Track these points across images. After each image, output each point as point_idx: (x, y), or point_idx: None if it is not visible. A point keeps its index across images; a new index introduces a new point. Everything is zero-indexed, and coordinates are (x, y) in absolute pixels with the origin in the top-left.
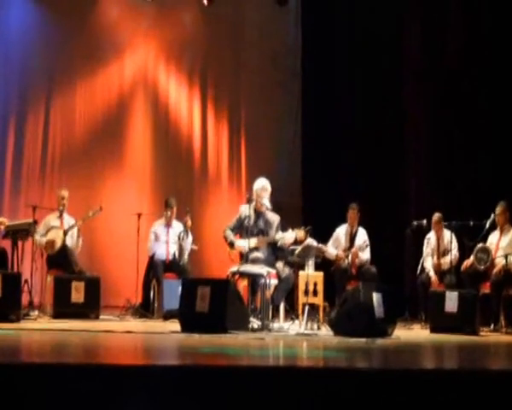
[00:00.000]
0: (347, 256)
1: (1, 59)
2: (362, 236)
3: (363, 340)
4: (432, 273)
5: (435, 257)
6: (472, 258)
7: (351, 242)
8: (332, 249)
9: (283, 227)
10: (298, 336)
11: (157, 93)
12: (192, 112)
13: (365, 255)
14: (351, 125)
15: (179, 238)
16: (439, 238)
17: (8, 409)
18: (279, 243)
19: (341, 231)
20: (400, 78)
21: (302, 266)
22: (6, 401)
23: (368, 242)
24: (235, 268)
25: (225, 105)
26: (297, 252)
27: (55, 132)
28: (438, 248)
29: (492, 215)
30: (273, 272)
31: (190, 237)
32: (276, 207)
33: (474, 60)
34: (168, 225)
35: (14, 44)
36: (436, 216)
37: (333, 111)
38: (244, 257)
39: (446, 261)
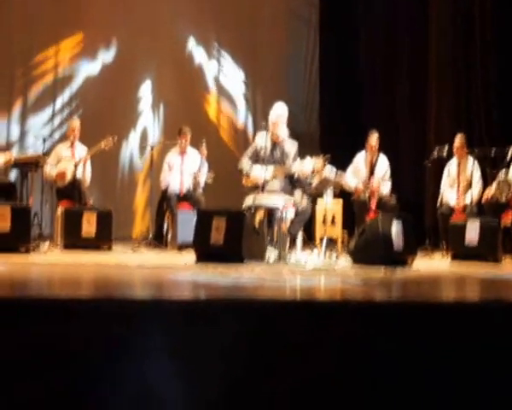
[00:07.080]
0: (367, 190)
1: None
2: (383, 165)
3: (381, 270)
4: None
5: (456, 190)
6: (493, 189)
7: (371, 171)
8: (351, 179)
9: (301, 156)
10: (315, 267)
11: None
12: (206, 41)
13: (385, 189)
14: (370, 53)
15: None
16: (460, 164)
17: (18, 344)
18: (296, 175)
19: (361, 159)
20: (425, 9)
21: (320, 195)
22: (15, 335)
23: (389, 172)
24: (250, 200)
25: (240, 33)
26: (314, 185)
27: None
28: (458, 177)
29: None
30: (290, 201)
31: (206, 167)
32: (292, 136)
33: None
34: (182, 152)
35: None
36: (459, 138)
37: (352, 39)
38: (260, 187)
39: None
